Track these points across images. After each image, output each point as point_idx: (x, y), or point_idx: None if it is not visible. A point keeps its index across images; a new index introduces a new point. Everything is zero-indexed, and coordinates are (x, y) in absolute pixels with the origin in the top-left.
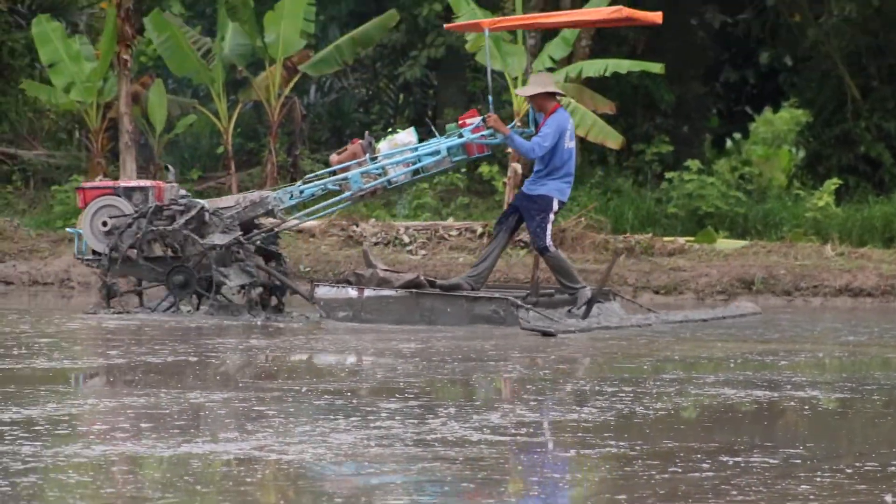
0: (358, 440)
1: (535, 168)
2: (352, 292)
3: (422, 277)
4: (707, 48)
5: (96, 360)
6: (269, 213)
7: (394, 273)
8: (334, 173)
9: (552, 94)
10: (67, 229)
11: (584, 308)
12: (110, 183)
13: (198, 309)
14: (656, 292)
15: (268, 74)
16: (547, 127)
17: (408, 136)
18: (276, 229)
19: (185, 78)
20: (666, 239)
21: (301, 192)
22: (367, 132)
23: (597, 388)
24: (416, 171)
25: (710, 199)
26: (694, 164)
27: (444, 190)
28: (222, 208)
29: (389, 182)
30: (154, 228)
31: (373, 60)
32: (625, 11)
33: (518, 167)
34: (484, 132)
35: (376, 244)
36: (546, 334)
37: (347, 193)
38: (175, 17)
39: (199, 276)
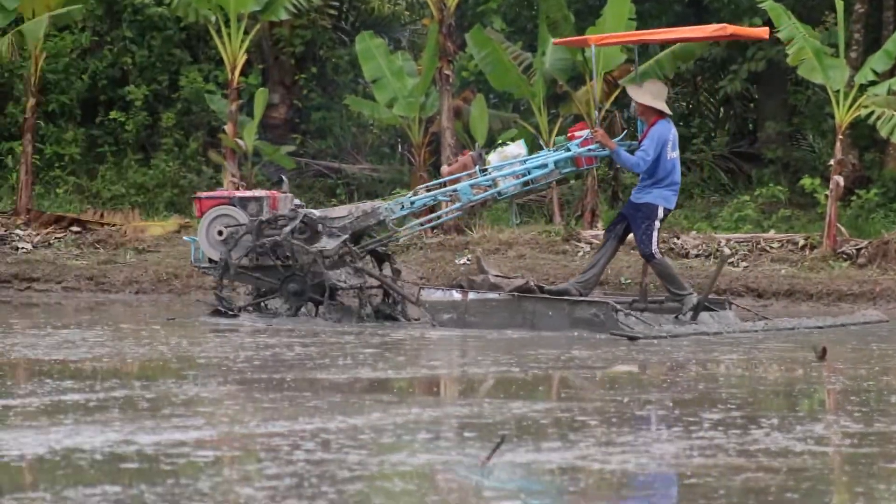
0: (680, 450)
1: (641, 177)
2: (456, 295)
3: (532, 283)
4: None
5: (419, 370)
6: (381, 223)
7: (505, 279)
8: (445, 184)
9: (655, 109)
10: (184, 238)
11: (690, 314)
12: (226, 193)
13: (316, 315)
14: None
15: (588, 88)
16: (648, 139)
17: (517, 148)
18: (384, 240)
19: (506, 92)
20: None
21: (412, 203)
22: (476, 143)
23: None
24: (525, 183)
25: None
26: None
27: (766, 202)
28: (334, 218)
29: (500, 193)
30: (263, 240)
31: (693, 74)
32: (729, 29)
33: (840, 180)
34: (591, 146)
35: (697, 256)
36: (631, 339)
37: (458, 205)
38: (496, 32)
39: (312, 282)
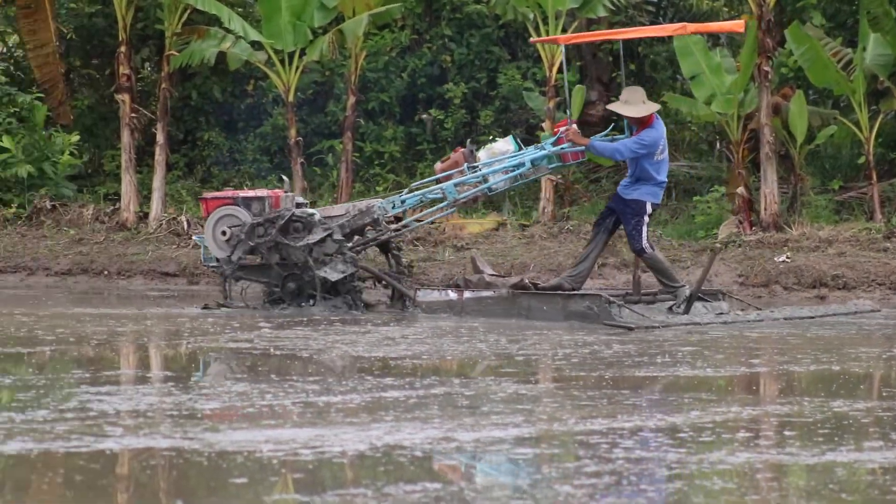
0: None
1: (629, 172)
2: (452, 295)
3: (526, 280)
4: None
5: (738, 368)
6: (376, 222)
7: (500, 278)
8: (440, 181)
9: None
10: (194, 237)
11: (683, 305)
12: (230, 193)
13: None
14: None
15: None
16: (641, 139)
17: (505, 144)
18: (379, 238)
19: (826, 89)
20: None
21: (403, 201)
22: (468, 140)
23: None
24: (516, 178)
25: None
26: None
27: None
28: (333, 216)
29: (490, 189)
30: (258, 241)
31: None
32: (689, 28)
33: None
34: (564, 145)
35: None
36: (627, 329)
37: (444, 203)
38: (815, 28)
39: (307, 278)
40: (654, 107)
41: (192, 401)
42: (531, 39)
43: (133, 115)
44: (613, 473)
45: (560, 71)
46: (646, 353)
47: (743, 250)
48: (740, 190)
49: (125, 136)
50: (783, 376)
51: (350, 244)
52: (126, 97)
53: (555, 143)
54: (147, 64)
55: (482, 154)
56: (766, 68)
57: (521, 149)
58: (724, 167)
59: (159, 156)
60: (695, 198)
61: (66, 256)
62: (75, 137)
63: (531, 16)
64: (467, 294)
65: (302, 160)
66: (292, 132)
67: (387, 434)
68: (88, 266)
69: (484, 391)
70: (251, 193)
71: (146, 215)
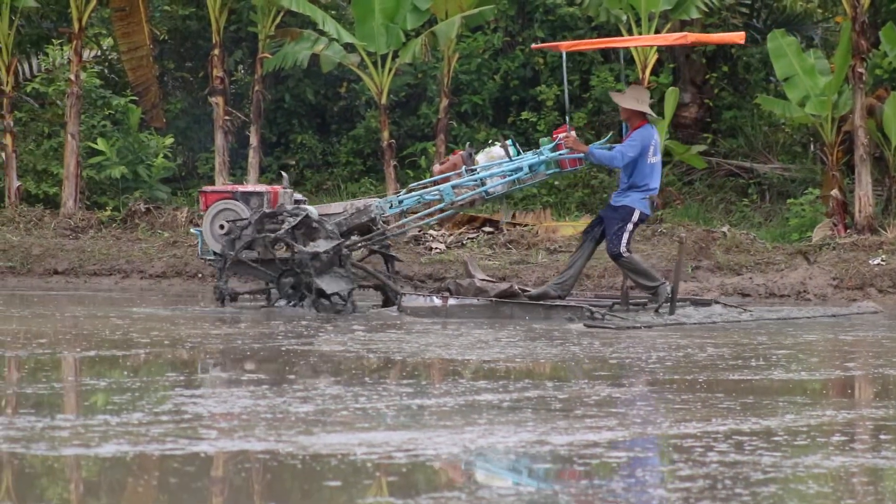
0: None
1: (620, 181)
2: (436, 301)
3: (515, 287)
4: None
5: (833, 371)
6: (373, 221)
7: (490, 283)
8: (437, 183)
9: (641, 112)
10: (192, 230)
11: (668, 306)
12: (229, 188)
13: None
14: None
15: None
16: (632, 140)
17: (503, 149)
18: (374, 237)
19: None
20: None
21: (400, 201)
22: (468, 143)
23: None
24: (513, 182)
25: None
26: None
27: None
28: (330, 215)
29: (487, 193)
30: (254, 236)
31: None
32: (690, 38)
33: None
34: (562, 151)
35: None
36: (609, 328)
37: (441, 205)
38: None
39: (304, 279)
40: (646, 107)
41: (286, 404)
42: (533, 46)
43: (227, 117)
44: (708, 477)
45: (654, 73)
46: (740, 356)
47: (837, 253)
48: (834, 192)
49: (219, 139)
50: (878, 380)
51: (348, 242)
52: (220, 100)
53: (553, 150)
54: (240, 66)
55: (480, 158)
56: (861, 70)
57: (519, 154)
58: (818, 169)
59: (252, 158)
60: (788, 200)
61: (161, 259)
62: (169, 140)
63: (624, 18)
64: (452, 301)
65: (395, 163)
66: (385, 135)
67: (480, 437)
68: (182, 269)
69: (577, 394)
70: (250, 188)
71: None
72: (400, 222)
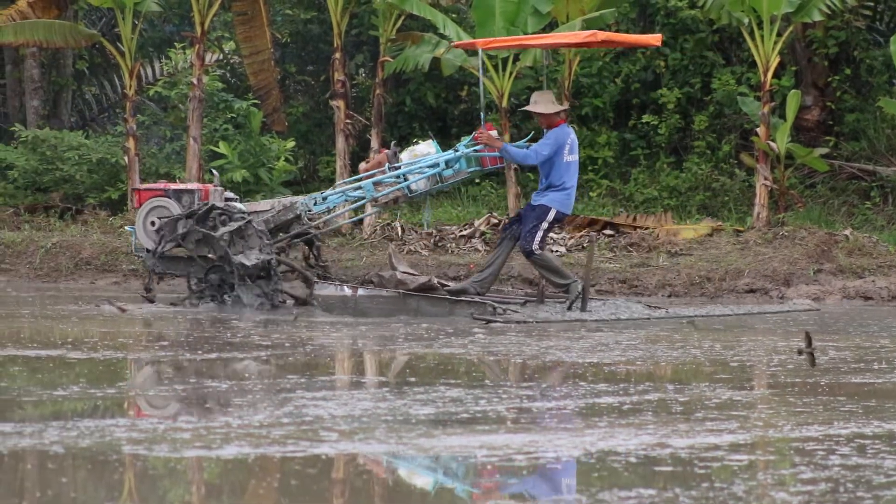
0: None
1: (539, 181)
2: (346, 290)
3: (435, 280)
4: None
5: None
6: (298, 218)
7: (411, 276)
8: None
9: (556, 113)
10: (126, 227)
11: (579, 301)
12: (161, 185)
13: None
14: None
15: None
16: (547, 138)
17: (427, 147)
18: (298, 233)
19: None
20: None
21: (324, 198)
22: (392, 142)
23: None
24: (435, 180)
25: None
26: None
27: None
28: (258, 212)
29: (409, 189)
30: (175, 233)
31: None
32: (600, 36)
33: None
34: (478, 146)
35: None
36: (489, 321)
37: (363, 201)
38: None
39: (229, 270)
40: (560, 107)
41: (407, 406)
42: (453, 44)
43: (348, 121)
44: (829, 480)
45: (776, 76)
46: (862, 359)
47: None
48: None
49: (340, 142)
50: None
51: (275, 240)
52: (341, 103)
53: (469, 146)
54: (361, 70)
55: (405, 155)
56: None
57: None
58: None
59: None
60: None
61: None
62: (290, 143)
63: (746, 20)
64: (361, 291)
65: (515, 165)
66: (506, 138)
67: (600, 440)
68: None
69: (698, 397)
70: (181, 186)
71: (361, 221)
72: (324, 218)
